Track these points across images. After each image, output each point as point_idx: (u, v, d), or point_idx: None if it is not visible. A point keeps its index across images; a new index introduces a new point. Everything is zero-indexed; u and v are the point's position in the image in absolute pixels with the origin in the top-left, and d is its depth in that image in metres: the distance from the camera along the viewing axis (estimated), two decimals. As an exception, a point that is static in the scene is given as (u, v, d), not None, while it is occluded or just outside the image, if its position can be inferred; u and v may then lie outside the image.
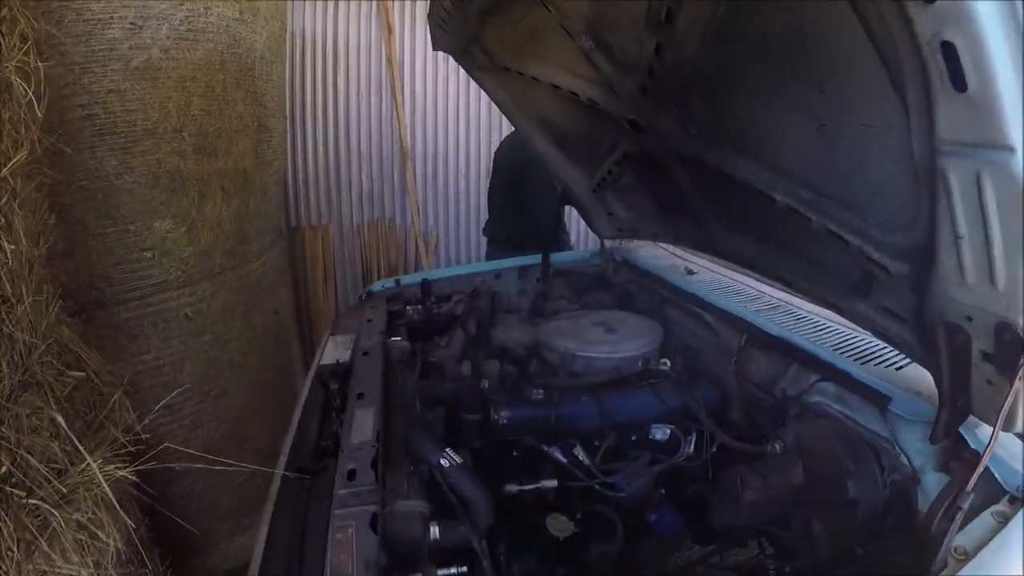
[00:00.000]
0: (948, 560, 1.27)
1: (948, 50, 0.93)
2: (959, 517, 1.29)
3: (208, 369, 2.97)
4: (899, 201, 1.34)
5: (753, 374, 2.13)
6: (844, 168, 1.43)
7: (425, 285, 2.96)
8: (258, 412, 3.24)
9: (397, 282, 3.07)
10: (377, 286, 3.05)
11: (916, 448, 1.63)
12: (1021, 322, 1.13)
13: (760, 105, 1.54)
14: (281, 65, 3.44)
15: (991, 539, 1.29)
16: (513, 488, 1.97)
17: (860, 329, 1.95)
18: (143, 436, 2.17)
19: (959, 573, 1.23)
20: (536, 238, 3.42)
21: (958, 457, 1.50)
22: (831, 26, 1.17)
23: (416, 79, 5.21)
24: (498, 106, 2.79)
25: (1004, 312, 1.15)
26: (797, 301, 2.35)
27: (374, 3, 4.96)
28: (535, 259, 3.25)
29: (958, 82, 0.95)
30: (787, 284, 1.98)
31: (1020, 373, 1.15)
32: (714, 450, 2.15)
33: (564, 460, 2.07)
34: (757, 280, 2.58)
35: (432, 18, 2.41)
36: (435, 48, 2.66)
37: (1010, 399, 1.18)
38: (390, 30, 4.99)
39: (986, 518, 1.34)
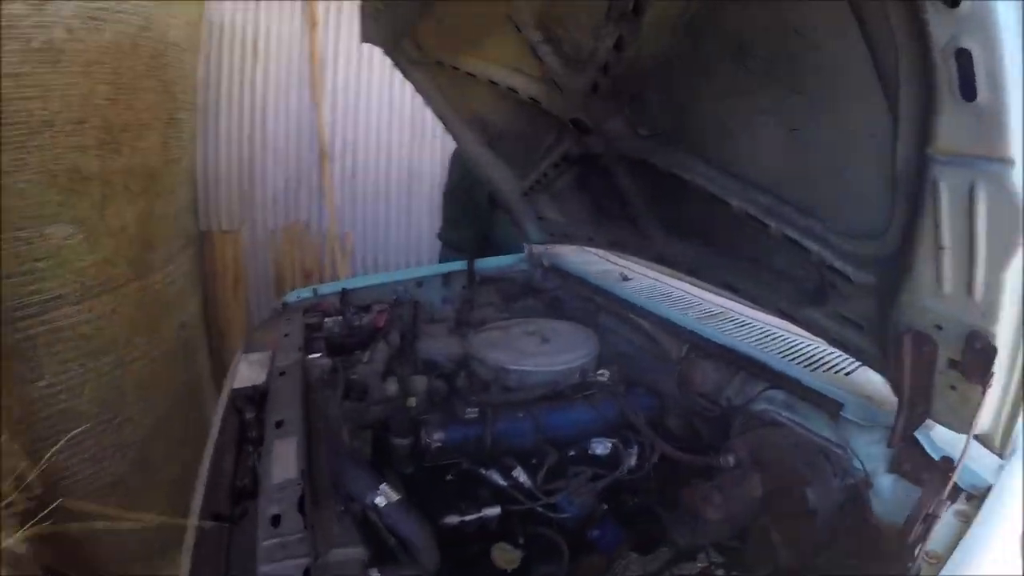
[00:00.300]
0: (922, 566, 1.29)
1: (963, 57, 0.91)
2: (936, 525, 1.33)
3: (110, 394, 2.67)
4: (870, 209, 1.35)
5: (697, 383, 2.12)
6: (812, 174, 1.43)
7: (344, 295, 2.80)
8: (167, 438, 2.96)
9: (314, 292, 2.88)
10: (293, 296, 2.85)
11: (867, 452, 1.67)
12: (994, 331, 1.16)
13: (727, 106, 1.51)
14: (195, 54, 3.13)
15: (958, 540, 1.31)
16: (454, 519, 1.84)
17: (806, 335, 1.99)
18: (36, 489, 1.87)
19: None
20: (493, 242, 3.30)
21: (914, 460, 1.55)
22: (822, 26, 1.15)
23: (339, 75, 4.97)
24: (428, 103, 2.66)
25: (978, 321, 1.18)
26: (739, 307, 2.37)
27: None
28: (459, 265, 3.13)
29: (968, 91, 0.94)
30: (734, 291, 1.98)
31: (991, 379, 1.19)
32: (656, 461, 2.13)
33: (504, 483, 1.96)
34: (696, 286, 2.59)
35: (365, 7, 2.27)
36: (364, 40, 2.50)
37: (985, 404, 1.22)
38: (314, 24, 4.75)
39: (949, 519, 1.37)
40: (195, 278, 3.34)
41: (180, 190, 3.02)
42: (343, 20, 4.82)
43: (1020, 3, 0.85)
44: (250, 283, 5.05)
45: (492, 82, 2.15)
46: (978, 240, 1.09)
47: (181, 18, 2.82)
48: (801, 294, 1.73)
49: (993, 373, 1.19)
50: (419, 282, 3.08)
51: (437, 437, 1.97)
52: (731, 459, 1.80)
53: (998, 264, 1.09)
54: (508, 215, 2.93)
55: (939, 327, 1.26)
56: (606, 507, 2.07)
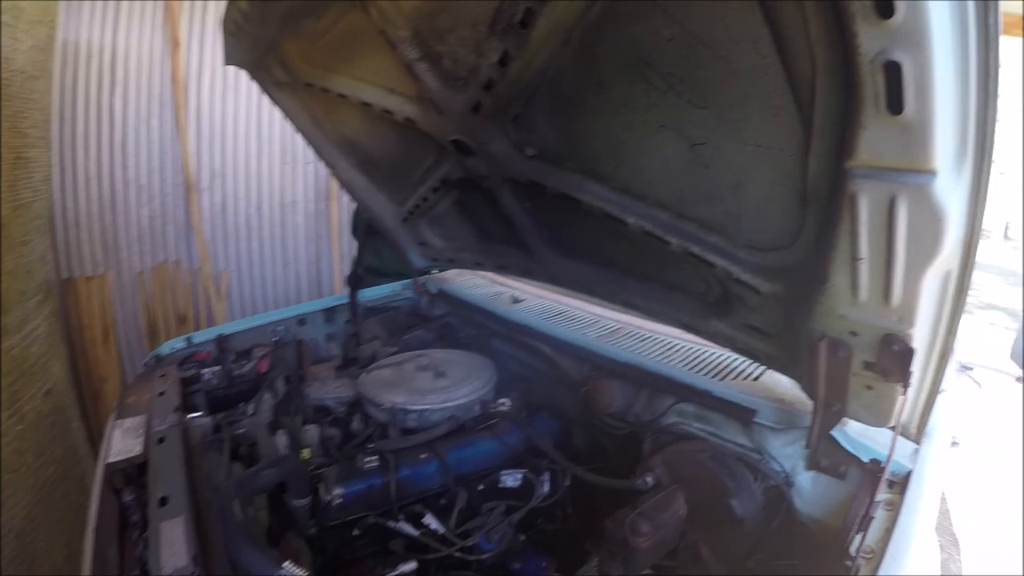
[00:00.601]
0: (859, 564, 1.29)
1: (891, 70, 0.87)
2: (871, 525, 1.35)
3: None
4: (777, 222, 1.32)
5: (604, 404, 2.04)
6: (716, 190, 1.38)
7: (221, 342, 2.50)
8: (46, 521, 2.51)
9: (188, 340, 2.55)
10: (165, 348, 2.52)
11: (783, 453, 1.70)
12: (914, 333, 1.18)
13: (623, 122, 1.42)
14: (47, 82, 2.63)
15: (887, 529, 1.35)
16: None
17: (709, 344, 1.99)
18: None
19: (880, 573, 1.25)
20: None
21: (831, 455, 1.58)
22: (731, 38, 1.08)
23: (203, 99, 4.55)
24: (296, 128, 2.41)
25: (894, 326, 1.20)
26: (638, 322, 2.32)
27: (160, 11, 4.23)
28: (342, 299, 2.89)
29: (895, 104, 0.90)
30: (634, 308, 1.93)
31: (910, 378, 1.22)
32: (568, 484, 2.07)
33: (416, 533, 1.83)
34: (592, 304, 2.52)
35: (226, 25, 1.99)
36: (227, 62, 2.22)
37: (906, 401, 1.28)
38: (176, 44, 4.31)
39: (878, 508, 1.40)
40: (58, 336, 2.84)
41: (34, 239, 2.53)
42: (207, 39, 4.44)
43: (953, 15, 0.82)
44: (121, 333, 4.53)
45: (365, 103, 1.97)
46: (897, 250, 1.08)
47: (28, 41, 2.37)
48: (704, 307, 1.71)
49: (912, 372, 1.22)
50: (301, 320, 2.83)
51: (337, 493, 1.78)
52: (649, 479, 1.75)
53: (917, 271, 1.09)
54: (389, 243, 2.73)
55: (854, 333, 1.27)
56: (523, 537, 2.00)
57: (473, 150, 1.84)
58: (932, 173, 0.95)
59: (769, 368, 1.70)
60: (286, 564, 1.46)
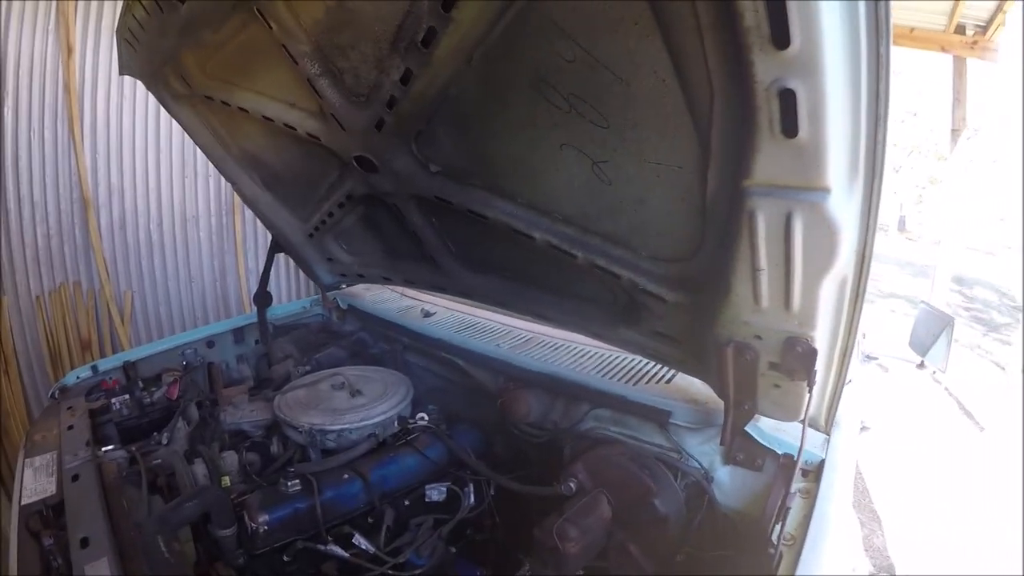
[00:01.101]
0: (783, 551, 1.34)
1: (786, 97, 0.88)
2: (788, 515, 1.40)
3: None
4: (678, 236, 1.34)
5: (521, 413, 2.01)
6: (619, 205, 1.38)
7: (128, 369, 2.36)
8: None
9: (94, 369, 2.38)
10: (71, 378, 2.34)
11: (701, 450, 1.75)
12: (816, 335, 1.24)
13: (526, 140, 1.40)
14: None
15: (805, 515, 1.41)
16: None
17: (619, 350, 2.01)
18: None
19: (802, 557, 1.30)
20: None
21: (746, 450, 1.65)
22: (632, 63, 1.07)
23: (98, 110, 4.17)
24: (196, 143, 2.26)
25: (796, 329, 1.25)
26: (550, 331, 2.31)
27: (52, 14, 3.83)
28: (250, 318, 2.72)
29: (789, 128, 0.92)
30: (545, 319, 1.92)
31: (814, 376, 1.28)
32: (493, 494, 2.05)
33: (346, 555, 1.76)
34: (503, 315, 2.49)
35: (121, 32, 1.83)
36: (122, 72, 2.05)
37: (812, 397, 1.33)
38: (70, 50, 3.93)
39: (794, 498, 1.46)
40: None
41: None
42: (103, 45, 4.09)
43: (846, 44, 0.84)
44: (23, 362, 4.10)
45: (266, 118, 1.87)
46: (795, 261, 1.11)
47: None
48: (612, 316, 1.71)
49: (816, 371, 1.27)
50: (210, 342, 2.68)
51: (263, 520, 1.70)
52: (572, 485, 1.75)
53: (814, 280, 1.13)
54: (294, 259, 2.60)
55: (759, 337, 1.32)
56: (454, 550, 1.97)
57: (377, 167, 1.77)
58: (826, 191, 0.98)
59: (680, 372, 1.73)
60: None
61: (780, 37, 0.82)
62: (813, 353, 1.25)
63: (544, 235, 1.55)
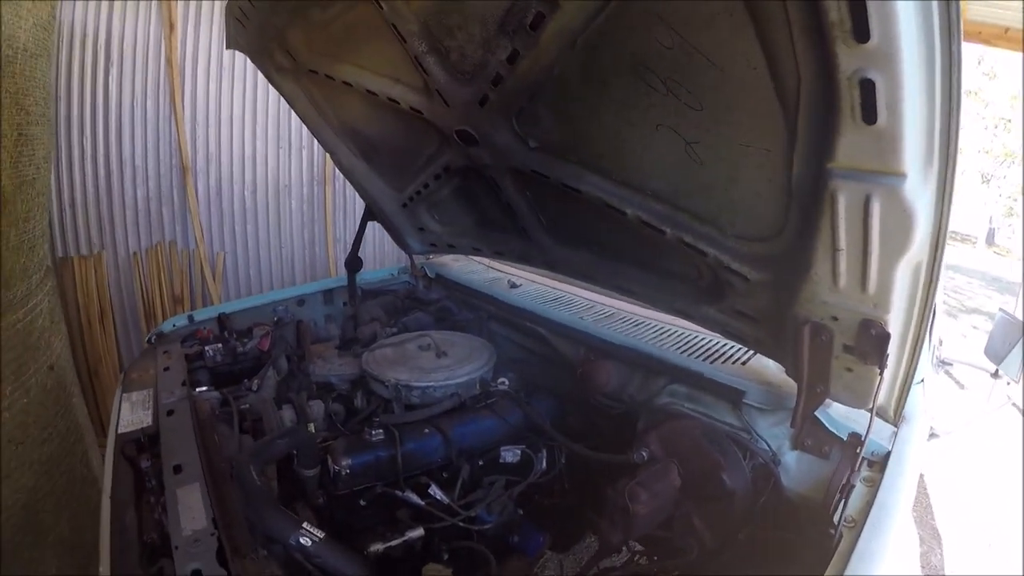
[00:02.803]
0: (843, 532, 1.43)
1: (866, 87, 1.02)
2: (852, 496, 1.49)
3: None
4: (764, 216, 1.47)
5: (600, 383, 2.19)
6: (708, 184, 1.52)
7: (223, 320, 2.62)
8: (51, 493, 2.59)
9: (190, 319, 2.66)
10: (167, 326, 2.61)
11: (771, 433, 1.86)
12: (890, 318, 1.34)
13: (623, 120, 1.55)
14: (47, 61, 2.68)
15: (868, 503, 1.49)
16: (379, 547, 1.82)
17: (699, 329, 2.14)
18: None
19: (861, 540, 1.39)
20: None
21: (815, 435, 1.74)
22: (725, 51, 1.22)
23: (198, 82, 4.58)
24: (298, 114, 2.50)
25: (871, 311, 1.36)
26: (632, 307, 2.48)
27: None
28: (340, 281, 3.00)
29: (869, 116, 1.05)
30: (630, 294, 2.07)
31: (886, 360, 1.38)
32: (564, 461, 2.23)
33: (422, 503, 1.97)
34: (587, 290, 2.67)
35: (231, 10, 2.08)
36: (229, 46, 2.30)
37: (883, 382, 1.42)
38: (172, 26, 4.33)
39: (858, 486, 1.55)
40: (58, 313, 2.90)
41: (36, 215, 2.59)
42: (203, 22, 4.48)
43: (921, 38, 0.97)
44: (116, 312, 4.56)
45: (369, 92, 2.07)
46: (872, 242, 1.23)
47: (31, 19, 2.40)
48: (696, 293, 1.86)
49: (888, 355, 1.38)
50: (300, 300, 2.95)
51: (345, 464, 1.91)
52: (644, 454, 1.90)
53: (890, 262, 1.25)
54: (385, 227, 2.85)
55: (835, 318, 1.43)
56: (522, 512, 2.14)
57: (477, 140, 1.96)
58: (902, 176, 1.11)
59: (756, 352, 1.85)
60: (305, 524, 1.58)
61: (861, 32, 0.96)
62: (886, 336, 1.35)
63: (635, 211, 1.71)
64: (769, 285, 1.58)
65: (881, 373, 1.40)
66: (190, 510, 1.48)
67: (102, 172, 4.35)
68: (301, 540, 1.56)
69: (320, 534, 1.59)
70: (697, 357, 2.08)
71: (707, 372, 1.98)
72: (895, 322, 1.35)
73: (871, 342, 1.39)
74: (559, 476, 2.25)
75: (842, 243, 1.28)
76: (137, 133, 4.43)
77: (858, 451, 1.54)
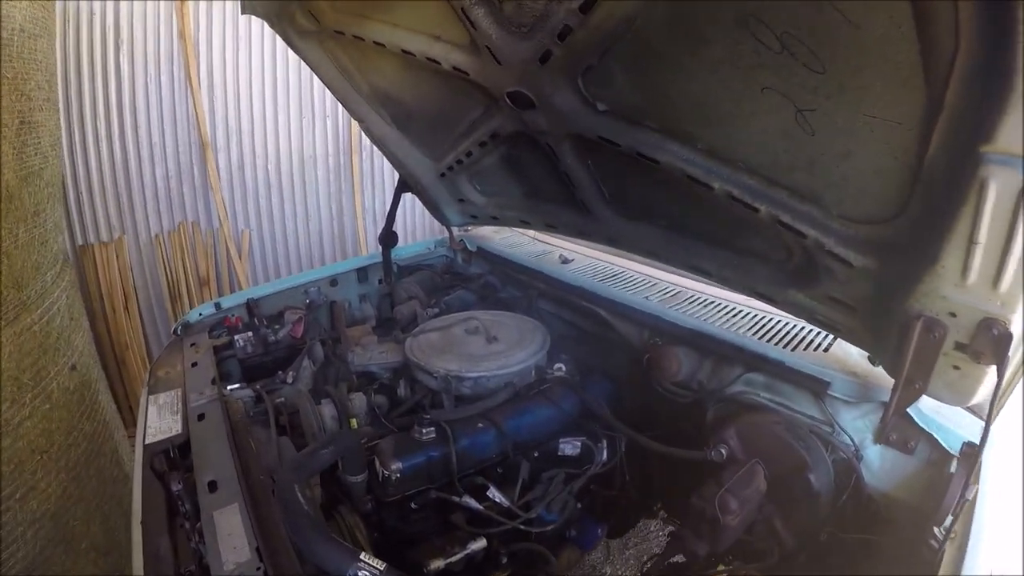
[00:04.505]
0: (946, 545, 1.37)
1: (1055, 58, 0.88)
2: (964, 506, 1.41)
3: (3, 467, 2.23)
4: (880, 197, 1.34)
5: (671, 372, 2.07)
6: (817, 158, 1.38)
7: (251, 306, 2.53)
8: (81, 499, 2.56)
9: (217, 306, 2.57)
10: (193, 315, 2.53)
11: (854, 426, 1.76)
12: (1015, 319, 1.23)
13: (718, 81, 1.40)
14: (49, 41, 2.56)
15: (967, 513, 1.41)
16: (440, 564, 1.74)
17: (773, 310, 2.03)
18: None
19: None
20: None
21: (901, 431, 1.65)
22: (865, 4, 1.07)
23: (214, 54, 4.50)
24: (323, 81, 2.36)
25: (996, 310, 1.24)
26: (696, 286, 2.36)
27: None
28: (373, 258, 2.90)
29: (1051, 93, 0.91)
30: (703, 274, 1.94)
31: (1006, 360, 1.27)
32: (623, 451, 2.14)
33: (480, 507, 1.88)
34: (646, 266, 2.54)
35: None
36: (245, 12, 2.19)
37: (1003, 382, 1.31)
38: None
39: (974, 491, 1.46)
40: (78, 308, 2.85)
41: (47, 206, 2.50)
42: None
43: None
44: (142, 298, 4.59)
45: (405, 52, 1.92)
46: (1016, 238, 1.11)
47: None
48: (783, 276, 1.73)
49: (1009, 356, 1.26)
50: (333, 280, 2.85)
51: (395, 467, 1.81)
52: (723, 451, 1.82)
53: (1031, 260, 1.12)
54: (421, 199, 2.72)
55: (953, 314, 1.31)
56: (580, 505, 2.08)
57: (534, 103, 1.80)
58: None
59: (847, 341, 1.73)
60: (362, 556, 1.42)
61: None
62: (1009, 337, 1.24)
63: (724, 185, 1.57)
64: (874, 273, 1.46)
65: (1000, 375, 1.29)
66: (230, 538, 1.40)
67: (118, 154, 4.33)
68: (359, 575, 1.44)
69: (380, 566, 1.44)
70: (771, 342, 1.96)
71: (789, 361, 1.87)
72: (1018, 322, 1.24)
73: (990, 341, 1.27)
74: (619, 467, 2.16)
75: (982, 236, 1.15)
76: (152, 111, 4.39)
77: (975, 462, 1.44)
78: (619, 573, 3.24)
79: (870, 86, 1.18)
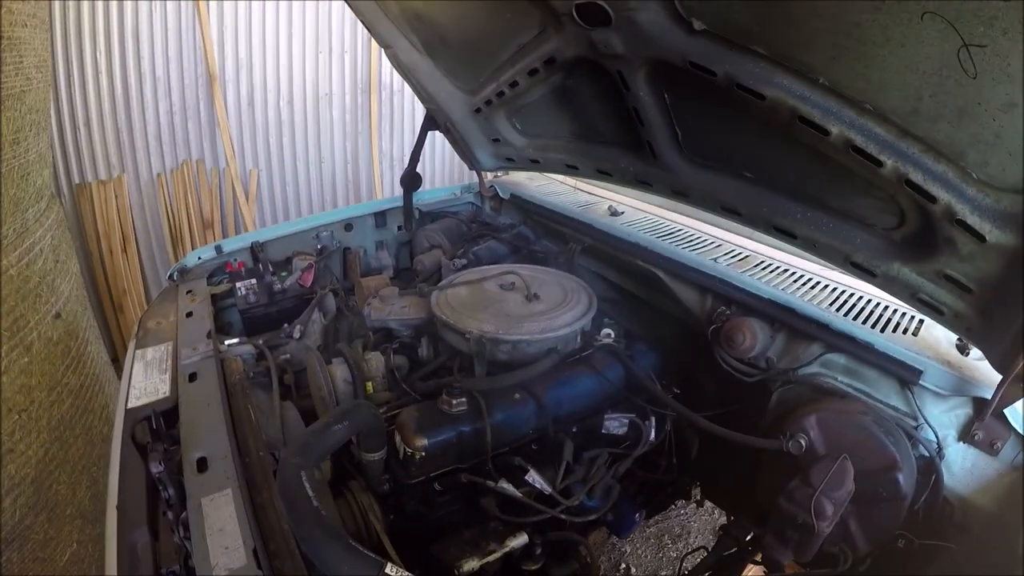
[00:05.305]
0: None
1: None
2: None
3: None
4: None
5: (742, 347, 1.82)
6: (970, 108, 1.14)
7: (256, 250, 2.34)
8: (65, 462, 2.38)
9: (218, 249, 2.37)
10: (191, 259, 2.33)
11: (938, 420, 1.60)
12: None
13: (859, 1, 1.14)
14: None
15: None
16: (474, 564, 1.53)
17: (855, 282, 1.84)
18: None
19: None
20: None
21: (988, 430, 1.51)
22: None
23: None
24: (349, 2, 2.11)
25: None
26: (768, 251, 2.10)
27: None
28: (393, 201, 2.67)
29: None
30: (788, 238, 1.70)
31: None
32: (669, 428, 1.98)
33: (519, 494, 1.67)
34: (707, 224, 2.29)
35: None
36: None
37: None
38: None
39: None
40: (65, 250, 2.62)
41: (28, 135, 2.23)
42: None
43: None
44: (142, 240, 4.45)
45: None
46: None
47: None
48: (891, 245, 1.51)
49: None
50: (347, 224, 2.64)
51: (421, 444, 1.61)
52: (803, 442, 1.62)
53: None
54: (450, 138, 2.46)
55: None
56: (619, 487, 1.89)
57: (611, 18, 1.52)
58: None
59: (947, 328, 1.52)
60: (389, 569, 1.17)
61: None
62: None
63: (846, 130, 1.33)
64: (1009, 252, 1.25)
65: None
66: (221, 534, 1.18)
67: (119, 86, 4.14)
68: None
69: None
70: (856, 320, 1.74)
71: (880, 344, 1.65)
72: None
73: None
74: (666, 448, 1.99)
75: None
76: (157, 41, 4.20)
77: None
78: (639, 551, 3.11)
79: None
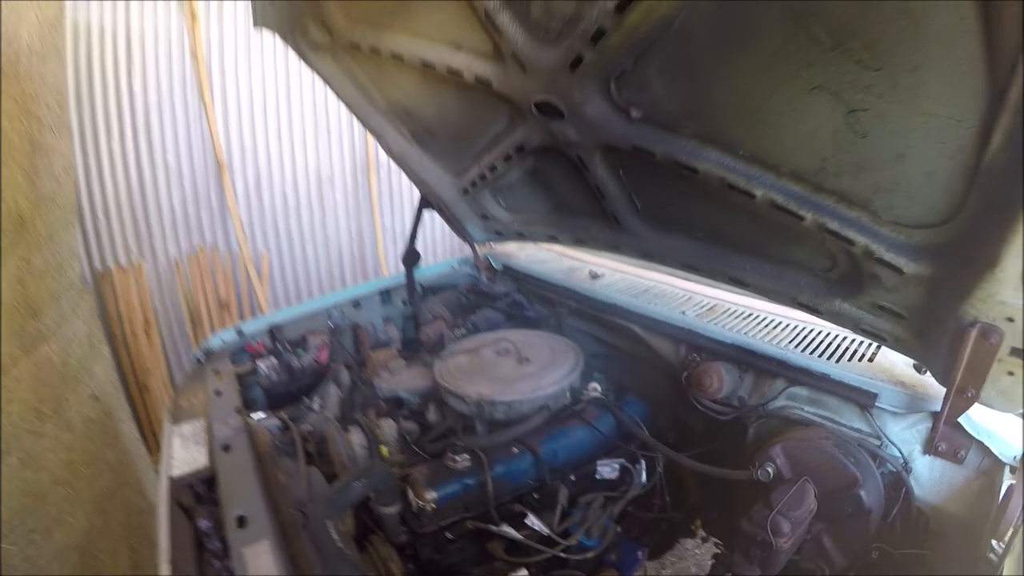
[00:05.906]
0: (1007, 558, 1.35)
1: None
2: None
3: (25, 500, 2.20)
4: (932, 199, 1.31)
5: (712, 389, 2.02)
6: (869, 161, 1.34)
7: (275, 332, 2.51)
8: (106, 531, 2.54)
9: (239, 332, 2.55)
10: (215, 341, 2.51)
11: (902, 438, 1.74)
12: None
13: (764, 82, 1.36)
14: (59, 62, 2.54)
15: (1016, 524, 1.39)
16: None
17: (812, 319, 1.98)
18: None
19: None
20: None
21: (950, 440, 1.64)
22: None
23: (227, 73, 4.55)
24: (339, 97, 2.33)
25: None
26: (732, 297, 2.32)
27: None
28: (396, 279, 2.89)
29: None
30: (742, 286, 1.90)
31: None
32: (661, 470, 2.11)
33: (520, 536, 1.84)
34: (678, 279, 2.51)
35: None
36: (257, 24, 2.15)
37: None
38: (194, 17, 4.30)
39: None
40: (97, 336, 2.82)
41: (61, 232, 2.46)
42: (225, 11, 4.44)
43: None
44: (162, 323, 4.60)
45: (425, 64, 1.89)
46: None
47: (34, 15, 2.26)
48: (828, 285, 1.70)
49: None
50: (356, 303, 2.82)
51: (431, 497, 1.78)
52: (770, 470, 1.76)
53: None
54: (444, 217, 2.70)
55: (1010, 319, 1.28)
56: (619, 528, 2.03)
57: (563, 113, 1.75)
58: None
59: (894, 351, 1.69)
60: None
61: None
62: None
63: (767, 192, 1.53)
64: (926, 279, 1.42)
65: None
66: None
67: (134, 176, 4.35)
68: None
69: None
70: (813, 354, 1.93)
71: (834, 373, 1.84)
72: None
73: None
74: (658, 489, 2.13)
75: None
76: (167, 132, 4.42)
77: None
78: (658, 595, 3.16)
79: (928, 83, 1.15)
